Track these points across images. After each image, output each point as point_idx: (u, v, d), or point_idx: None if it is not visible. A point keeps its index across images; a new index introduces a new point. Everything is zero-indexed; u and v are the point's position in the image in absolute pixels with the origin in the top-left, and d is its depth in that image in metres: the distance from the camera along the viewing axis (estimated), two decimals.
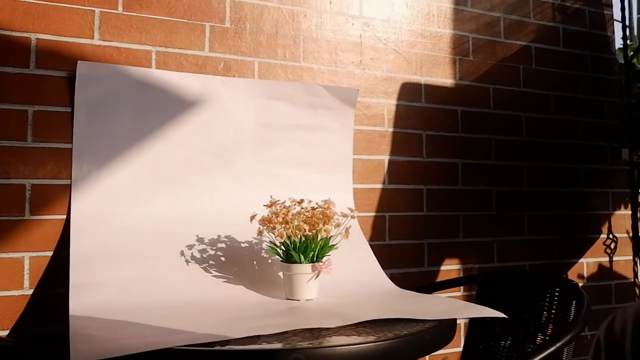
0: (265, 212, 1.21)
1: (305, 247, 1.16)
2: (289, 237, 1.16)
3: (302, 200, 1.23)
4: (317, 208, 1.21)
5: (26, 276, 1.24)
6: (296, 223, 1.16)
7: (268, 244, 1.24)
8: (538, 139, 1.93)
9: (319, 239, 1.17)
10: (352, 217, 1.23)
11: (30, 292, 1.24)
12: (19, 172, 1.25)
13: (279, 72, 1.54)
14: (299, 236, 1.16)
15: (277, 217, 1.18)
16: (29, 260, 1.24)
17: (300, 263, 1.15)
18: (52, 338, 1.23)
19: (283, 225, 1.17)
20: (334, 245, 1.19)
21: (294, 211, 1.19)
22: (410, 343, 0.88)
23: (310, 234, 1.15)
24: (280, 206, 1.21)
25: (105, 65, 1.33)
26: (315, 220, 1.17)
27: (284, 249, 1.18)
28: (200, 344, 0.79)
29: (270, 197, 1.23)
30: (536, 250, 1.89)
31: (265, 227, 1.20)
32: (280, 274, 1.23)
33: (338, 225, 1.20)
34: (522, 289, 1.38)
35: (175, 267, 1.24)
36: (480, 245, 1.78)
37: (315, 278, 1.17)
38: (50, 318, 1.24)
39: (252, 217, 1.21)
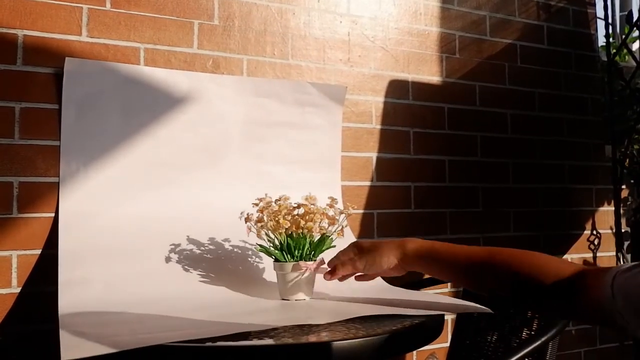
0: (254, 210, 1.20)
1: (295, 246, 1.15)
2: (278, 236, 1.16)
3: (297, 206, 1.20)
4: (306, 205, 1.20)
5: (14, 274, 1.23)
6: (287, 225, 1.14)
7: (257, 243, 1.22)
8: (523, 135, 1.95)
9: (308, 238, 1.15)
10: (349, 214, 1.21)
11: (18, 290, 1.23)
12: (6, 170, 1.24)
13: (268, 70, 1.54)
14: (285, 235, 1.15)
15: (266, 215, 1.17)
16: (16, 258, 1.23)
17: (288, 262, 1.14)
18: (40, 336, 1.22)
19: (272, 224, 1.15)
20: (331, 244, 1.18)
21: (284, 210, 1.17)
22: (399, 338, 0.89)
23: (304, 231, 1.14)
24: (269, 204, 1.19)
25: (93, 62, 1.32)
26: (307, 219, 1.15)
27: (273, 248, 1.17)
28: (191, 340, 0.79)
29: (266, 194, 1.21)
30: (522, 246, 1.88)
31: (254, 226, 1.19)
32: (272, 272, 1.23)
33: (334, 222, 1.18)
34: None
35: (164, 265, 1.24)
36: (467, 242, 1.77)
37: (305, 277, 1.14)
38: (39, 316, 1.23)
39: (247, 218, 1.20)
